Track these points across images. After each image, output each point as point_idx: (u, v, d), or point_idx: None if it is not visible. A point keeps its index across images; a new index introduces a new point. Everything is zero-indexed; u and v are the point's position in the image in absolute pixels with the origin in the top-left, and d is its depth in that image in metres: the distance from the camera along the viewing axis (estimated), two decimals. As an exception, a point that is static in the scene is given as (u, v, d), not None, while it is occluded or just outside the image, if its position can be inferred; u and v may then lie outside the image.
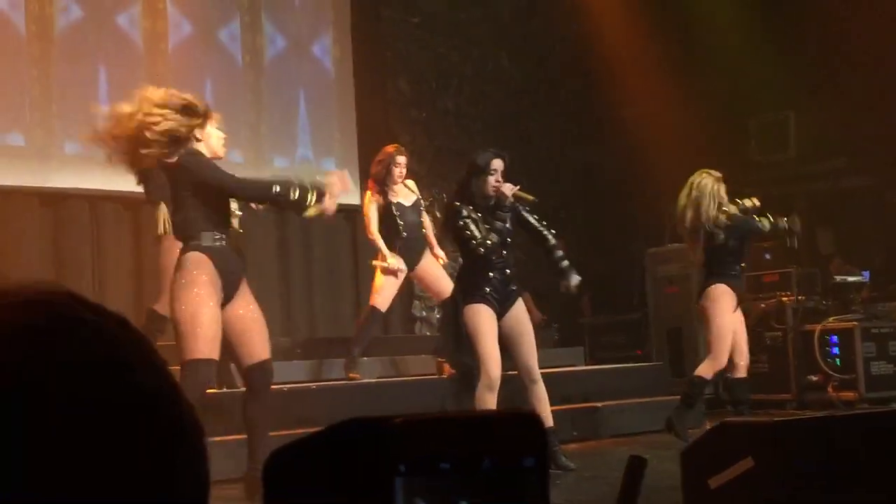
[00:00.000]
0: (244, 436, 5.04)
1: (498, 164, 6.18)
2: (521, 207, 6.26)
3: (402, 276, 7.60)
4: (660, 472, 5.20)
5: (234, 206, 5.08)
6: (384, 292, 7.55)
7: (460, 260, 6.48)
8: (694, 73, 10.67)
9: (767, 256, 10.18)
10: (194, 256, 4.77)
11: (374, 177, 7.61)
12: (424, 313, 10.39)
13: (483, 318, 6.04)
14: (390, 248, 7.50)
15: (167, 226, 6.43)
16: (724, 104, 10.81)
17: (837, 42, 10.42)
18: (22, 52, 8.15)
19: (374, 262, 7.62)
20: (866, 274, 9.87)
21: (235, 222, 5.08)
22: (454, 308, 6.22)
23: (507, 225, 6.15)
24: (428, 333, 10.28)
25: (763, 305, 9.38)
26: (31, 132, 8.19)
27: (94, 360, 0.58)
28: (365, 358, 8.09)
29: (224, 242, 4.85)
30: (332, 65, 10.01)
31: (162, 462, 0.57)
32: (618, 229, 11.31)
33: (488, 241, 5.97)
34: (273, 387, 7.21)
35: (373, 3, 10.44)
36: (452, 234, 6.22)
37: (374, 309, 7.60)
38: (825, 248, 10.70)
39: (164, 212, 6.55)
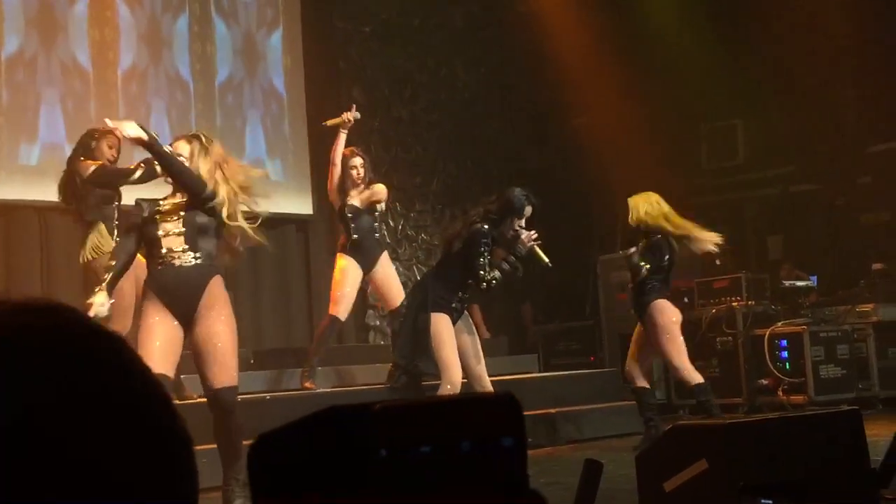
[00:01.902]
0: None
1: (528, 211, 6.35)
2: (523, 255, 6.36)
3: (357, 282, 7.56)
4: (615, 476, 5.25)
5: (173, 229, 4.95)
6: (344, 301, 7.51)
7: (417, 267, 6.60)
8: (646, 81, 10.78)
9: (717, 263, 10.29)
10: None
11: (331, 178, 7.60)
12: (378, 322, 10.38)
13: (446, 327, 6.29)
14: (342, 249, 7.50)
15: (92, 253, 6.36)
16: (675, 112, 10.93)
17: (783, 51, 10.58)
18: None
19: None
20: (814, 279, 10.01)
21: (175, 243, 4.93)
22: (415, 312, 6.38)
23: (511, 267, 6.33)
24: (382, 343, 10.26)
25: (714, 311, 9.47)
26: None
27: (96, 368, 0.58)
28: (319, 368, 8.07)
29: (164, 266, 4.89)
30: (284, 74, 9.98)
31: (163, 466, 0.57)
32: (571, 236, 11.38)
33: (493, 281, 6.20)
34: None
35: (324, 12, 10.42)
36: (465, 251, 6.27)
37: (333, 318, 7.56)
38: (774, 254, 10.84)
39: (96, 234, 6.44)
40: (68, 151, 7.05)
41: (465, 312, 6.55)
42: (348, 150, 7.70)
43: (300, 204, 9.82)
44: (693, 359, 9.60)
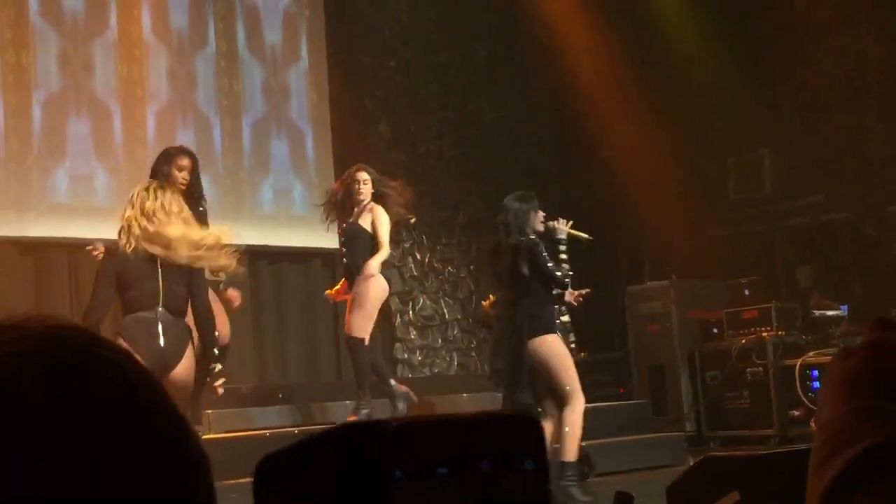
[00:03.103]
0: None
1: (535, 202, 6.55)
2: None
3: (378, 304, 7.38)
4: (646, 508, 5.18)
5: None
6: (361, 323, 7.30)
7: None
8: (671, 112, 10.76)
9: (747, 293, 10.22)
10: None
11: (330, 195, 7.46)
12: (406, 355, 10.36)
13: (560, 345, 6.32)
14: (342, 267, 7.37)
15: None
16: (701, 143, 10.90)
17: (811, 79, 10.54)
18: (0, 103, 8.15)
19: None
20: (845, 308, 9.92)
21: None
22: (518, 343, 6.23)
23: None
24: (410, 376, 10.24)
25: (743, 341, 9.40)
26: (8, 183, 8.16)
27: (115, 400, 0.57)
28: (347, 402, 8.05)
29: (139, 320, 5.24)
30: (310, 110, 10.04)
31: (176, 487, 0.57)
32: (598, 268, 11.34)
33: (569, 275, 6.37)
34: (253, 432, 7.20)
35: (350, 48, 10.49)
36: (532, 268, 6.23)
37: (361, 342, 7.35)
38: (804, 283, 10.75)
39: None
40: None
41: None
42: (356, 167, 7.53)
43: (326, 238, 9.83)
44: (724, 390, 9.55)
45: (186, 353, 5.39)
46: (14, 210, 8.12)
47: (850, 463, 0.64)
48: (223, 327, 6.46)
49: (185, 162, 6.47)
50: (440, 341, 10.71)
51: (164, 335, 5.25)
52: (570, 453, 6.26)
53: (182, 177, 6.41)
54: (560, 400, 6.35)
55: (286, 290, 9.70)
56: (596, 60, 11.02)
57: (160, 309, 5.28)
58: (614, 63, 10.88)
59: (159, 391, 0.59)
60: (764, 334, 9.37)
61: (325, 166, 10.00)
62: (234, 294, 6.94)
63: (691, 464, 6.09)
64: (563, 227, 6.52)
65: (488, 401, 8.91)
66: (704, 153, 11.01)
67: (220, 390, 6.69)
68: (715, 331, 9.99)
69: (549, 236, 6.44)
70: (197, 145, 9.19)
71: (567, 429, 6.28)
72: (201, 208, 6.47)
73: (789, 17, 10.51)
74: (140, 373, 0.59)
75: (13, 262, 8.10)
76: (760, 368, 9.28)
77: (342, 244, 7.50)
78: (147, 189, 5.40)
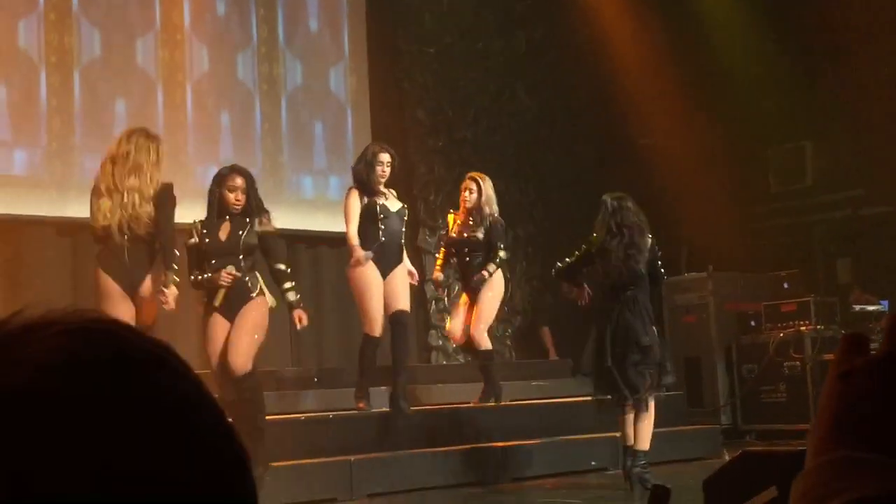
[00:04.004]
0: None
1: (630, 202, 7.08)
2: None
3: (379, 292, 7.04)
4: (681, 501, 5.16)
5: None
6: (372, 316, 7.06)
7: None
8: (712, 102, 10.67)
9: (786, 286, 10.14)
10: None
11: (356, 174, 7.16)
12: (441, 342, 10.35)
13: None
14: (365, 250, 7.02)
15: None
16: (742, 134, 10.80)
17: (853, 71, 10.42)
18: (42, 82, 8.21)
19: (351, 269, 7.09)
20: (885, 303, 9.81)
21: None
22: (635, 337, 6.62)
23: None
24: (444, 362, 10.25)
25: (781, 335, 9.32)
26: (49, 162, 8.23)
27: (161, 396, 0.56)
28: (382, 388, 8.07)
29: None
30: (349, 95, 10.05)
31: (219, 497, 0.56)
32: (635, 259, 11.28)
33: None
34: (289, 416, 7.24)
35: (389, 34, 10.48)
36: (652, 263, 6.85)
37: (367, 337, 7.15)
38: (843, 277, 10.64)
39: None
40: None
41: None
42: (377, 145, 7.33)
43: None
44: (760, 383, 9.48)
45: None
46: (56, 190, 8.18)
47: None
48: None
49: (237, 182, 6.22)
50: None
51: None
52: (649, 442, 6.66)
53: (235, 198, 6.19)
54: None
55: (323, 275, 9.72)
56: (636, 48, 10.94)
57: None
58: (655, 50, 10.80)
59: (200, 385, 0.59)
60: (802, 328, 9.29)
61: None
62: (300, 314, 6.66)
63: (727, 457, 6.06)
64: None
65: (521, 389, 8.91)
66: (745, 144, 10.92)
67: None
68: (752, 324, 9.91)
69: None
70: (236, 130, 9.23)
71: (652, 418, 6.68)
72: (259, 221, 6.24)
73: (835, 13, 10.39)
74: (182, 367, 0.59)
75: (51, 242, 8.16)
76: (798, 363, 9.20)
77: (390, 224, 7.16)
78: None
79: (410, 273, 7.33)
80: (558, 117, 11.47)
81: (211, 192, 6.29)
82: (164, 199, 6.04)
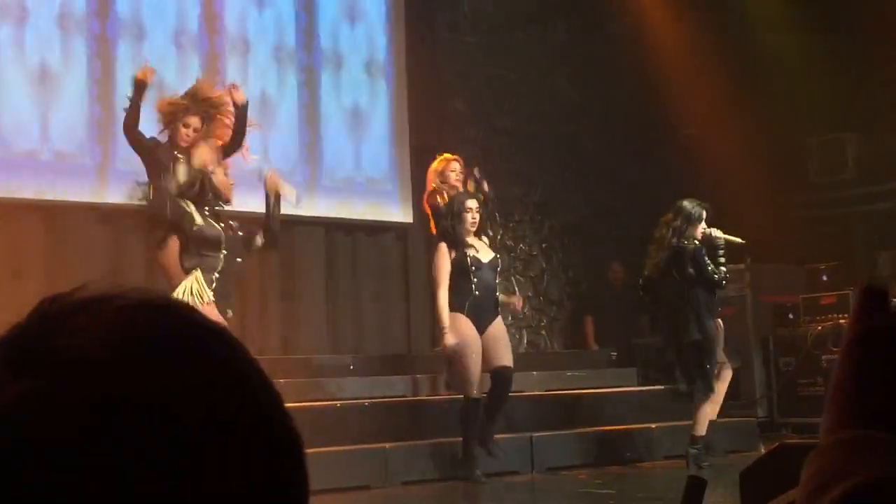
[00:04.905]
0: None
1: (705, 214, 7.32)
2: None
3: (477, 350, 6.61)
4: (716, 493, 5.14)
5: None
6: (471, 379, 6.65)
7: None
8: (753, 92, 10.58)
9: (825, 278, 10.04)
10: None
11: (441, 230, 6.69)
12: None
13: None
14: (458, 308, 6.60)
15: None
16: (783, 124, 10.70)
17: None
18: (84, 71, 8.28)
19: (443, 345, 6.66)
20: (927, 297, 9.68)
21: None
22: (690, 335, 7.18)
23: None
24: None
25: (819, 328, 9.24)
26: (92, 149, 8.30)
27: (222, 368, 0.57)
28: (419, 375, 8.11)
29: None
30: (388, 84, 10.05)
31: (277, 479, 0.57)
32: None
33: (726, 276, 7.30)
34: (325, 402, 7.28)
35: (429, 22, 10.47)
36: (698, 269, 7.10)
37: (467, 400, 6.72)
38: (885, 270, 10.52)
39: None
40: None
41: None
42: (464, 193, 6.81)
43: (400, 212, 9.88)
44: (797, 376, 9.40)
45: None
46: (98, 176, 8.26)
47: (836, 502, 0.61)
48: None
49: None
50: (510, 318, 10.69)
51: None
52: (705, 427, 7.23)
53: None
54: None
55: (360, 263, 9.76)
56: (678, 37, 10.86)
57: None
58: (696, 40, 10.72)
59: (256, 363, 0.60)
60: (841, 321, 9.20)
61: (402, 141, 10.02)
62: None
63: (763, 449, 6.03)
64: (720, 234, 7.24)
65: (555, 379, 8.90)
66: (786, 133, 10.81)
67: None
68: (790, 316, 9.84)
69: (709, 243, 7.19)
70: (274, 118, 9.26)
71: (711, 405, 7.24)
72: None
73: (881, 3, 10.25)
74: (239, 345, 0.60)
75: (91, 228, 8.24)
76: (836, 356, 9.10)
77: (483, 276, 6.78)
78: None
79: (514, 304, 7.70)
80: (597, 106, 11.42)
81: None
82: None
